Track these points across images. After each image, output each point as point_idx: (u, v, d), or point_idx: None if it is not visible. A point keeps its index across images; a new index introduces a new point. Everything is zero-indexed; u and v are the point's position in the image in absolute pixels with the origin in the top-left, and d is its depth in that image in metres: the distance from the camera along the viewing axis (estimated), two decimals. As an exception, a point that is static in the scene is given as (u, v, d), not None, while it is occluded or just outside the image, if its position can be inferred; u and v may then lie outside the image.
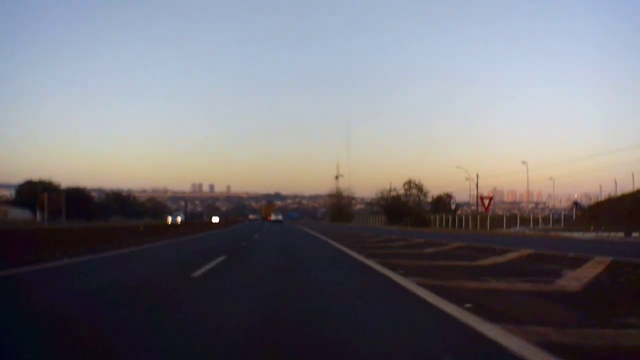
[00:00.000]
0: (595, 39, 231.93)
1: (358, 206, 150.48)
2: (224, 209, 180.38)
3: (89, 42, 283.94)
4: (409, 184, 78.64)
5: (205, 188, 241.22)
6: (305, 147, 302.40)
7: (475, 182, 49.10)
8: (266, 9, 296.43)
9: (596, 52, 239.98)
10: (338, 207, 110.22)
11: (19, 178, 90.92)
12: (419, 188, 78.92)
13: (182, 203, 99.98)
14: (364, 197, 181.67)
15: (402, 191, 78.51)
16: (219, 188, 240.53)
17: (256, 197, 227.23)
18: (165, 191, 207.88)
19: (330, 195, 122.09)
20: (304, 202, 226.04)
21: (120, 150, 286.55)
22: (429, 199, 79.41)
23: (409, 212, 66.12)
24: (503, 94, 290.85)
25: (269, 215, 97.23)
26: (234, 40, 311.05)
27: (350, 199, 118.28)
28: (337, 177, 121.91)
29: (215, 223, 60.59)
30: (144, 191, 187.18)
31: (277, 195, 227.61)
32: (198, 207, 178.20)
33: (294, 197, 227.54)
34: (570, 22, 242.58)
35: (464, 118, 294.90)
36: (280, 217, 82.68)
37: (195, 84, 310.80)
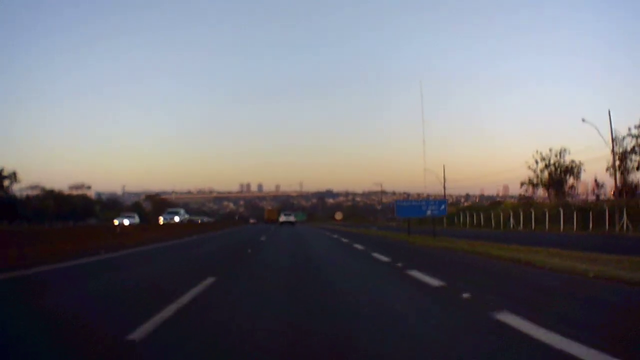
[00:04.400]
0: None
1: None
2: (269, 208, 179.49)
3: (135, 39, 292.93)
4: None
5: (254, 188, 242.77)
6: (356, 144, 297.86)
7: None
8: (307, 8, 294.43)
9: None
10: None
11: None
12: None
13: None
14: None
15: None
16: (268, 187, 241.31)
17: (306, 196, 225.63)
18: (211, 192, 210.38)
19: None
20: (357, 199, 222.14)
21: (166, 153, 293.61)
22: None
23: None
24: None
25: (272, 219, 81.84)
26: (275, 41, 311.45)
27: None
28: None
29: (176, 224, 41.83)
30: (189, 192, 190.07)
31: (329, 193, 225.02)
32: (241, 207, 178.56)
33: (346, 194, 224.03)
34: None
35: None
36: (292, 219, 63.63)
37: (243, 84, 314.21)
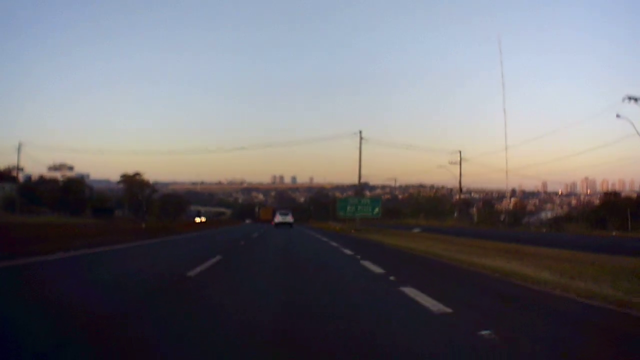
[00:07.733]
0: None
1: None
2: (301, 199, 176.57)
3: (176, 31, 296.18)
4: None
5: (287, 180, 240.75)
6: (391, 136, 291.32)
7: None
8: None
9: None
10: None
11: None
12: None
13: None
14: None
15: None
16: (302, 179, 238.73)
17: (342, 188, 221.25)
18: (242, 183, 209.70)
19: None
20: (396, 192, 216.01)
21: (198, 145, 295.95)
22: None
23: None
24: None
25: (267, 218, 74.38)
26: (313, 35, 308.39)
27: None
28: None
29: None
30: (218, 183, 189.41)
31: (366, 185, 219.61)
32: (272, 198, 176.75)
33: (383, 187, 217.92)
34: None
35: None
36: (289, 219, 53.74)
37: (275, 78, 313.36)
